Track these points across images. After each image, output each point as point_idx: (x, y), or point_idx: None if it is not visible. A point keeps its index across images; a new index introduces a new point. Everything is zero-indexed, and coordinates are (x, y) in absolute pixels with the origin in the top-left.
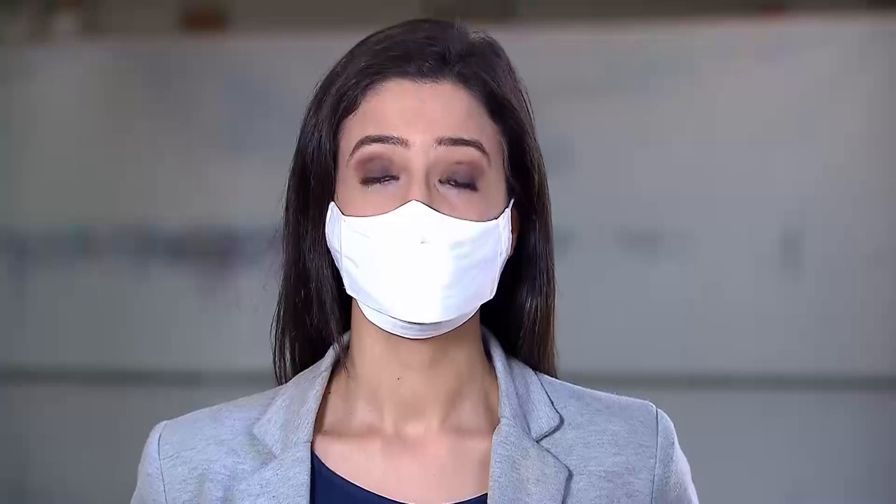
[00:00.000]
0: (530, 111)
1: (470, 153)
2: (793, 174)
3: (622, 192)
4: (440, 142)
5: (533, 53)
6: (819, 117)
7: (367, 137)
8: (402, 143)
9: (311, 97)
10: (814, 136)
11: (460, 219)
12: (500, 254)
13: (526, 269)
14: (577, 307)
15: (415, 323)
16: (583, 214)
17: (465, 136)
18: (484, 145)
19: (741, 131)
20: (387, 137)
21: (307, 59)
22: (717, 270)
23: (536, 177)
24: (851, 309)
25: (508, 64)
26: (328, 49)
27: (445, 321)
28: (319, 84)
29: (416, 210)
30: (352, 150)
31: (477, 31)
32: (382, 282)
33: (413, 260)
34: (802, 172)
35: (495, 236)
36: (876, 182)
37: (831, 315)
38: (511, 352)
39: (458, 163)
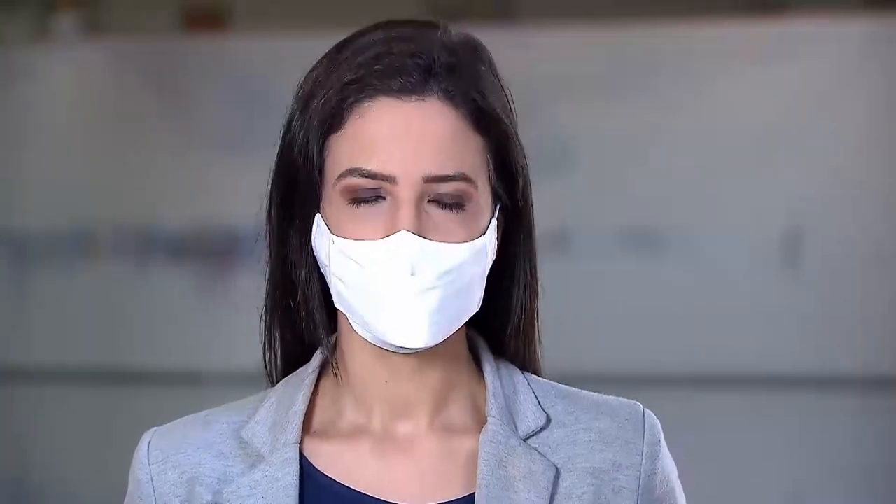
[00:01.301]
0: (513, 111)
1: (456, 186)
2: (793, 174)
3: (622, 192)
4: (427, 179)
5: (533, 53)
6: (819, 117)
7: (355, 170)
8: (390, 180)
9: (293, 101)
10: (814, 136)
11: (449, 242)
12: (488, 264)
13: (510, 269)
14: (577, 307)
15: (402, 347)
16: (583, 214)
17: (451, 172)
18: (469, 173)
19: (741, 131)
20: (375, 174)
21: (307, 59)
22: (717, 270)
23: (521, 180)
24: (851, 309)
25: (492, 65)
26: (328, 49)
27: (432, 345)
28: (300, 86)
29: (405, 241)
30: (338, 175)
31: (458, 32)
32: (371, 307)
33: (402, 290)
34: (802, 173)
35: (483, 254)
36: (876, 182)
37: (831, 315)
38: (497, 348)
39: (445, 193)
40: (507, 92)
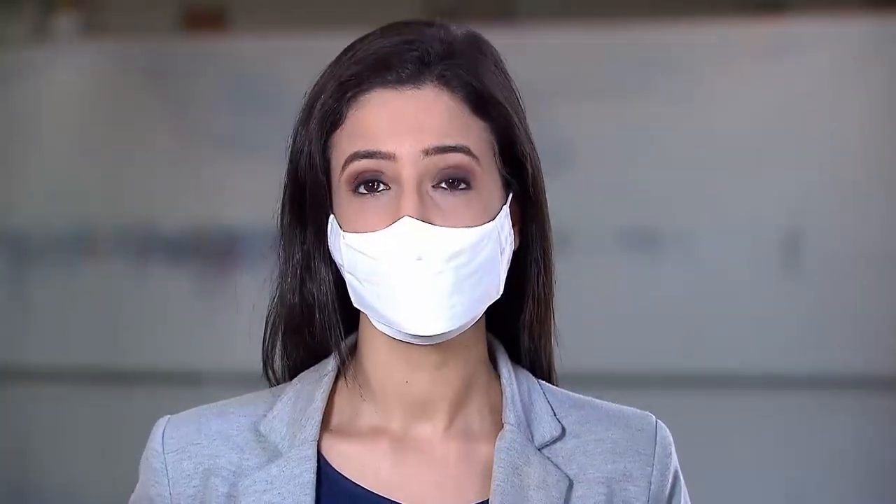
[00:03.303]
0: (521, 104)
1: (458, 158)
2: (793, 174)
3: (622, 192)
4: (427, 152)
5: (533, 53)
6: (819, 117)
7: (355, 154)
8: (390, 157)
9: (299, 107)
10: (814, 136)
11: (455, 227)
12: (503, 252)
13: (524, 261)
14: (577, 307)
15: (422, 336)
16: (583, 214)
17: (451, 143)
18: (471, 148)
19: (741, 131)
20: (375, 153)
21: (307, 59)
22: (717, 270)
23: (530, 168)
24: (851, 309)
25: (495, 58)
26: (328, 49)
27: (452, 330)
28: (307, 94)
29: (409, 227)
30: (342, 166)
31: (460, 28)
32: (385, 298)
33: (411, 277)
34: (802, 172)
35: (493, 238)
36: (876, 182)
37: (831, 315)
38: (513, 348)
39: (448, 167)
40: (515, 86)
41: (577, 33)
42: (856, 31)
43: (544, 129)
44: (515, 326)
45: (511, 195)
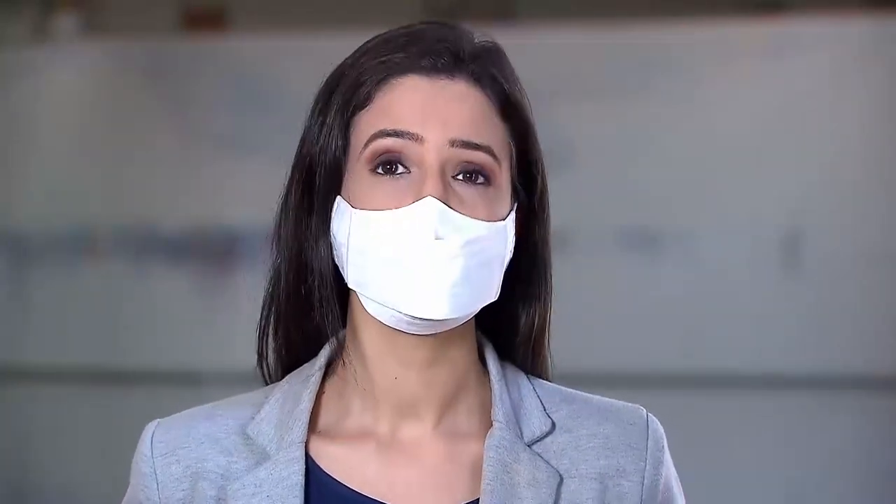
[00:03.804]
0: (533, 118)
1: (481, 157)
2: (793, 174)
3: (622, 192)
4: (453, 143)
5: (533, 53)
6: (819, 117)
7: (381, 131)
8: (416, 138)
9: (317, 93)
10: (814, 135)
11: (473, 217)
12: (507, 255)
13: (525, 273)
14: (577, 307)
15: (422, 319)
16: (583, 214)
17: (477, 141)
18: (495, 149)
19: (741, 131)
20: (401, 132)
21: (307, 59)
22: (717, 270)
23: (539, 179)
24: (851, 309)
25: (514, 71)
26: (328, 49)
27: (451, 319)
28: (326, 81)
29: (431, 206)
30: (364, 143)
31: (481, 35)
32: (392, 276)
33: (426, 255)
34: (802, 172)
35: (503, 237)
36: (876, 182)
37: (831, 315)
38: (505, 354)
39: (469, 163)
40: (527, 98)
41: (577, 33)
42: (856, 31)
43: (544, 129)
44: (510, 339)
45: (517, 203)
